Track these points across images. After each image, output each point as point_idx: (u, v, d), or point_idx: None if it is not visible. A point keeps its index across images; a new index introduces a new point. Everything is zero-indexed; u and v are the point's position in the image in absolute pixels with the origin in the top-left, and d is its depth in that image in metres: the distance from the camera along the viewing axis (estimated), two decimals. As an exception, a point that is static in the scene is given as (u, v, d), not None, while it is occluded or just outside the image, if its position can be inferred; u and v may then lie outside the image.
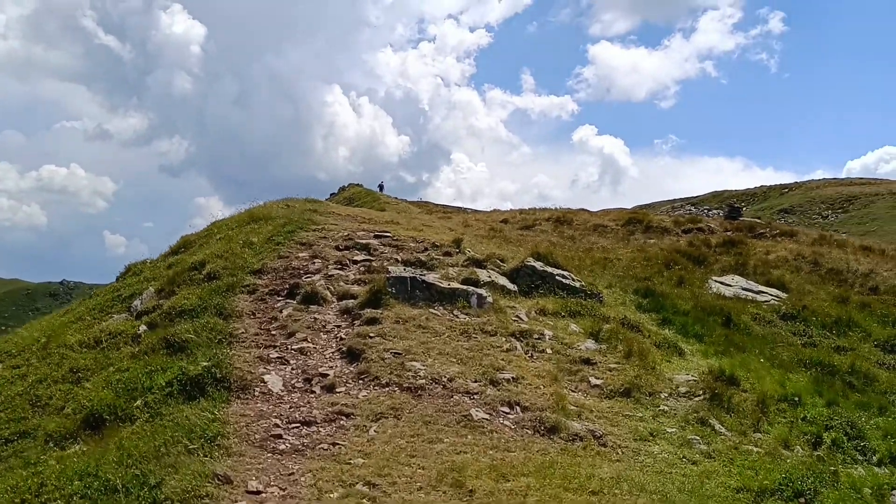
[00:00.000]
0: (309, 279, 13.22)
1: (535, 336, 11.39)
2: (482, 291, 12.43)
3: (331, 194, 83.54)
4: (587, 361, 10.80)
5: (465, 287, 12.47)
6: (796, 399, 10.84)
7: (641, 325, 13.99)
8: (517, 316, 12.29)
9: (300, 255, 14.69)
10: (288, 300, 12.44)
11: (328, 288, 12.70)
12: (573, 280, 15.05)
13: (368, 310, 11.46)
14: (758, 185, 72.64)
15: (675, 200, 74.16)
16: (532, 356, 10.73)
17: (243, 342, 10.69)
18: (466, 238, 20.91)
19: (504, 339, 10.99)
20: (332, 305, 12.23)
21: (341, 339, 10.69)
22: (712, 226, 33.70)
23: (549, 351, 10.99)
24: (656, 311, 16.29)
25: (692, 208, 62.64)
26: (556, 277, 14.69)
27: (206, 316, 11.69)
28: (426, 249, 15.44)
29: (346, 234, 16.23)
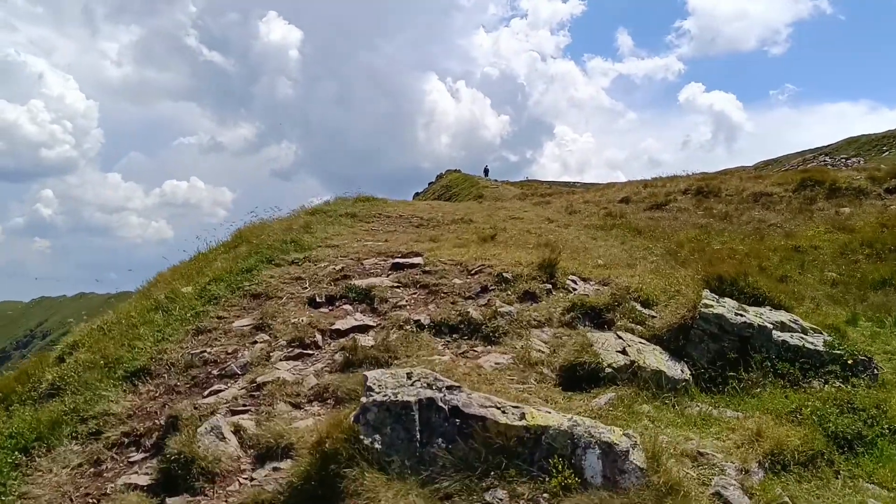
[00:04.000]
0: (215, 396, 5.95)
1: None
2: (620, 442, 4.52)
3: (429, 183, 77.93)
4: None
5: (566, 427, 4.63)
6: None
7: None
8: (722, 498, 4.40)
9: (235, 324, 7.45)
10: (144, 465, 5.24)
11: (238, 430, 5.34)
12: (805, 332, 6.92)
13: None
14: (896, 127, 60.25)
15: (804, 152, 63.85)
16: None
17: None
18: (568, 242, 13.16)
19: None
20: (231, 486, 4.88)
21: None
22: (926, 178, 23.76)
23: None
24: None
25: (827, 158, 52.80)
26: (774, 334, 6.62)
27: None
28: (484, 290, 7.72)
29: (342, 266, 8.81)
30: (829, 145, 64.57)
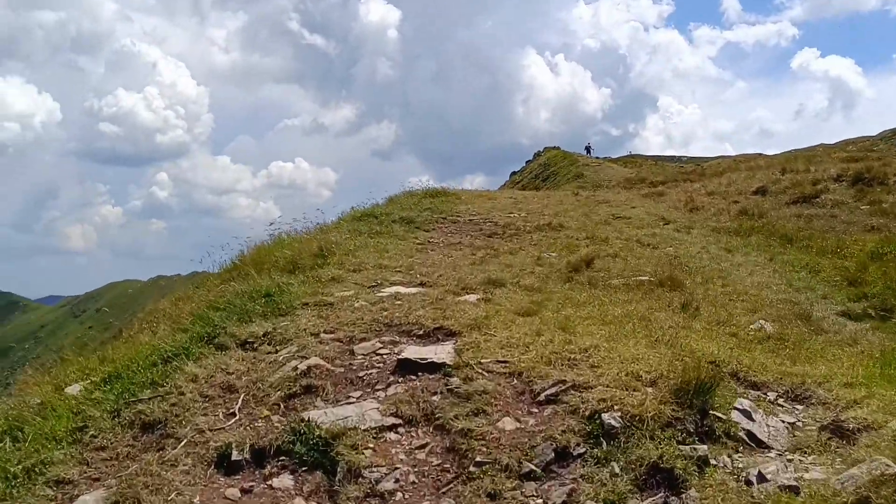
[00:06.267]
0: None
1: None
2: None
3: (526, 161, 74.08)
4: None
5: None
6: None
7: None
8: None
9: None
10: None
11: None
12: None
13: None
14: None
15: (941, 120, 54.97)
16: None
17: None
18: (695, 260, 8.87)
19: None
20: None
21: None
22: None
23: None
24: None
25: (976, 127, 44.81)
26: None
27: None
28: (561, 456, 3.71)
29: (312, 363, 5.02)
30: (976, 111, 56.01)
